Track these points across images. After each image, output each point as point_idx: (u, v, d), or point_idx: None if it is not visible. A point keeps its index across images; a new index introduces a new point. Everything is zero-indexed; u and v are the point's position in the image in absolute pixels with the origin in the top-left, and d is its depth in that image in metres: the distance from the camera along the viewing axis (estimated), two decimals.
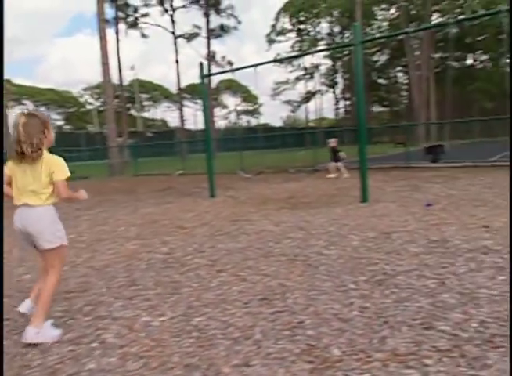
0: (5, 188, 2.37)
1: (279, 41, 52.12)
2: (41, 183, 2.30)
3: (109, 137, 17.38)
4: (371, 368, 1.80)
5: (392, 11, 44.91)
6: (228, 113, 75.10)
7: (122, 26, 29.57)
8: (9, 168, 2.34)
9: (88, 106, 65.12)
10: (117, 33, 22.51)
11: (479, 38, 45.13)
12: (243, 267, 3.34)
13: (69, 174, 2.38)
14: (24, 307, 2.35)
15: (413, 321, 2.20)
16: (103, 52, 16.21)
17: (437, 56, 45.77)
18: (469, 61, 50.91)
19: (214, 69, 28.68)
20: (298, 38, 51.54)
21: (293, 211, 5.92)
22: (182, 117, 31.97)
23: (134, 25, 29.77)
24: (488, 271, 2.85)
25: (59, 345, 2.19)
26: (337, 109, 58.19)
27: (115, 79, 25.09)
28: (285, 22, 50.79)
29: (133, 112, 64.67)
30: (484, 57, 50.36)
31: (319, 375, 1.77)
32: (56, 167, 2.32)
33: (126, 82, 56.49)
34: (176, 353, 2.03)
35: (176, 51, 29.87)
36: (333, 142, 10.87)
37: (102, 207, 7.53)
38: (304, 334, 2.15)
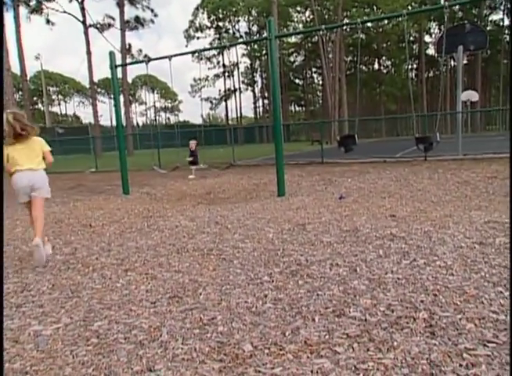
0: (6, 166, 3.43)
1: (198, 38, 51.65)
2: (37, 153, 3.52)
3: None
4: (283, 361, 1.72)
5: (307, 13, 46.68)
6: (147, 109, 72.68)
7: (23, 10, 27.04)
8: (8, 152, 3.39)
9: None
10: (15, 17, 20.43)
11: (383, 45, 48.74)
12: (154, 265, 3.13)
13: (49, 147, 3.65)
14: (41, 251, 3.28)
15: (326, 309, 2.18)
16: None
17: (348, 59, 48.56)
18: (376, 66, 54.74)
19: None
20: (217, 35, 51.43)
21: (210, 206, 5.77)
22: (95, 112, 30.08)
23: (37, 10, 27.30)
24: (394, 256, 2.96)
25: None
26: (256, 107, 59.12)
27: (16, 69, 22.87)
28: (203, 18, 50.40)
29: (41, 107, 59.71)
30: (388, 63, 54.53)
31: (229, 374, 1.66)
32: (43, 142, 3.62)
33: (31, 74, 52.00)
34: (69, 364, 1.79)
35: (87, 41, 28.00)
36: (193, 143, 11.42)
37: None
38: (215, 331, 2.02)
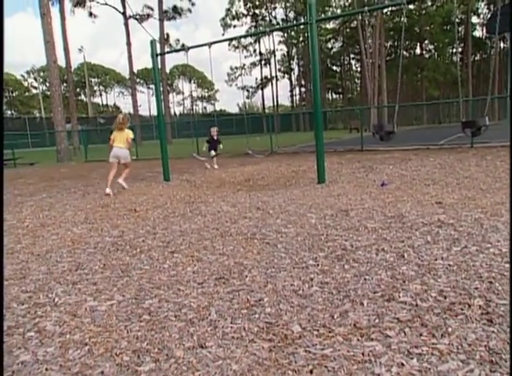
0: (111, 141, 6.75)
1: (235, 26, 51.49)
2: (124, 139, 6.67)
3: (56, 122, 16.37)
4: (333, 343, 1.71)
5: None
6: (184, 99, 73.68)
7: (68, 4, 27.94)
8: (113, 134, 6.73)
9: (34, 91, 61.57)
10: (61, 11, 21.12)
11: (427, 28, 46.74)
12: (198, 247, 3.18)
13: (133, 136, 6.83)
14: (108, 191, 6.34)
15: (374, 294, 2.14)
16: (46, 29, 15.13)
17: (388, 44, 46.99)
18: (417, 50, 52.69)
19: None
20: (253, 23, 51.07)
21: (250, 192, 5.80)
22: (135, 102, 30.82)
23: (80, 3, 28.12)
24: (443, 243, 2.87)
25: None
26: (293, 95, 58.55)
27: (62, 62, 23.71)
28: (240, 6, 50.14)
29: (83, 98, 61.83)
30: (431, 47, 52.33)
31: (279, 353, 1.67)
32: (130, 133, 6.77)
33: (75, 66, 53.82)
34: (124, 338, 1.86)
35: (127, 32, 28.62)
36: (214, 131, 10.36)
37: (48, 193, 7.05)
38: (262, 312, 2.04)
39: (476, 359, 1.51)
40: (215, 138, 10.30)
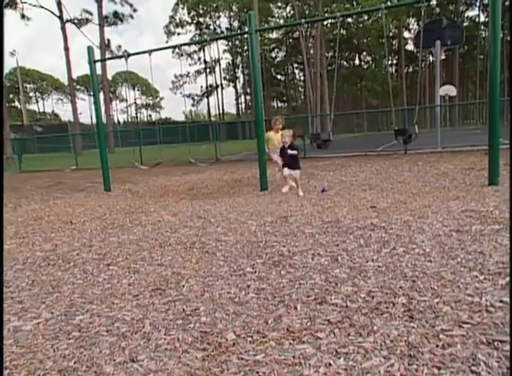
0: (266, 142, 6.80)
1: (179, 34, 51.21)
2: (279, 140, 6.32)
3: None
4: (266, 348, 1.74)
5: (288, 9, 46.70)
6: (128, 106, 71.76)
7: None
8: (268, 135, 6.92)
9: None
10: None
11: (364, 40, 49.16)
12: (136, 259, 3.11)
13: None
14: (285, 189, 6.18)
15: (308, 298, 2.21)
16: None
17: (329, 55, 48.79)
18: (356, 61, 55.22)
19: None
20: (197, 31, 51.06)
21: (192, 201, 5.76)
22: (74, 109, 29.56)
23: (11, 5, 26.60)
24: (374, 245, 3.01)
25: None
26: (239, 103, 59.02)
27: None
28: (184, 14, 49.95)
29: (17, 104, 58.30)
30: (369, 58, 55.05)
31: (212, 362, 1.67)
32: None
33: (6, 70, 50.67)
34: (50, 358, 1.77)
35: (65, 37, 27.45)
36: (287, 135, 6.02)
37: None
38: (198, 321, 2.03)
39: (397, 354, 1.60)
40: (287, 142, 5.97)
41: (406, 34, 50.42)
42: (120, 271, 2.86)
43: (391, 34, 46.09)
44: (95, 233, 4.15)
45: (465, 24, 42.16)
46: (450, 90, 16.98)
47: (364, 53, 53.18)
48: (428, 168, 7.54)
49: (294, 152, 6.02)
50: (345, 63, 52.82)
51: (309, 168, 9.33)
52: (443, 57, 39.23)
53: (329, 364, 1.58)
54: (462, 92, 47.20)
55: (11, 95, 56.18)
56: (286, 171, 6.16)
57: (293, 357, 1.66)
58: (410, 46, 50.61)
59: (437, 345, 1.64)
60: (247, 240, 3.39)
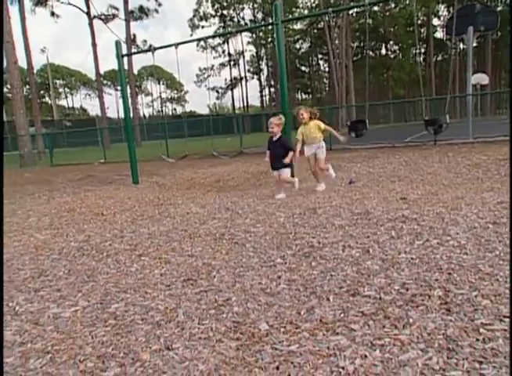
0: (298, 147, 5.32)
1: (203, 27, 51.28)
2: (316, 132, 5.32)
3: (18, 126, 15.80)
4: (299, 339, 1.74)
5: None
6: (153, 100, 72.69)
7: (28, 3, 27.05)
8: (301, 132, 5.38)
9: None
10: (21, 10, 20.41)
11: (391, 29, 47.97)
12: (167, 249, 3.15)
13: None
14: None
15: (340, 289, 2.18)
16: (5, 29, 14.59)
17: (355, 45, 47.93)
18: (383, 51, 53.99)
19: None
20: (221, 24, 50.99)
21: (219, 193, 5.79)
22: (102, 104, 30.14)
23: (42, 2, 27.26)
24: (406, 237, 2.95)
25: None
26: (263, 96, 58.81)
27: (23, 63, 22.93)
28: (208, 7, 49.96)
29: (48, 100, 59.94)
30: (396, 47, 53.71)
31: (246, 351, 1.68)
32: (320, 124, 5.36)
33: (37, 67, 52.12)
34: (89, 344, 1.82)
35: (92, 33, 27.96)
36: (277, 124, 5.17)
37: (10, 199, 6.81)
38: (230, 311, 2.04)
39: (434, 348, 1.57)
40: (275, 133, 5.16)
41: (436, 21, 48.93)
42: (152, 261, 2.91)
43: (419, 21, 44.73)
44: (125, 224, 4.24)
45: (499, 9, 40.50)
46: (482, 78, 16.41)
47: (391, 42, 51.92)
48: (459, 159, 7.32)
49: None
50: (371, 52, 51.71)
51: (335, 159, 9.22)
52: (475, 44, 37.86)
53: (365, 356, 1.57)
54: (494, 80, 45.51)
55: (42, 92, 57.76)
56: (274, 173, 5.29)
57: (328, 348, 1.65)
58: (440, 34, 49.14)
59: (477, 339, 1.59)
60: (276, 232, 3.38)
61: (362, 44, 52.35)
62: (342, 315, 1.91)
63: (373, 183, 5.69)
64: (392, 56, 53.37)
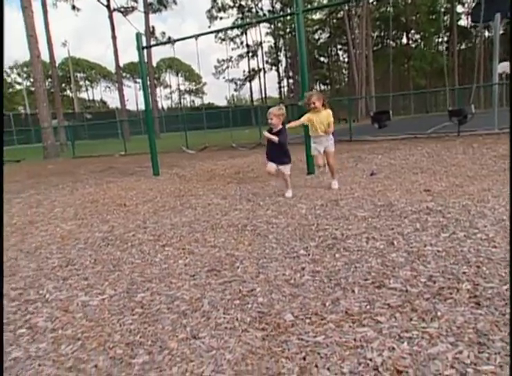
0: (295, 122, 4.84)
1: (221, 18, 51.05)
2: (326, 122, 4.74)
3: (41, 118, 16.13)
4: (325, 330, 1.73)
5: None
6: (171, 92, 73.07)
7: None
8: (308, 117, 4.77)
9: (18, 86, 60.46)
10: (43, 4, 20.71)
11: (413, 18, 46.84)
12: (190, 240, 3.18)
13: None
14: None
15: (365, 281, 2.17)
16: (29, 23, 14.83)
17: (375, 34, 47.05)
18: (404, 40, 52.82)
19: None
20: (240, 15, 50.70)
21: (240, 184, 5.79)
22: (121, 96, 30.47)
23: None
24: (432, 230, 2.90)
25: None
26: (281, 87, 58.40)
27: (45, 56, 23.31)
28: None
29: (69, 93, 60.91)
30: (417, 36, 52.46)
31: (272, 341, 1.68)
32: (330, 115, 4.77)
33: (59, 61, 52.91)
34: (117, 332, 1.86)
35: (112, 26, 28.19)
36: (276, 115, 4.76)
37: (36, 190, 6.97)
38: (255, 301, 2.05)
39: (464, 341, 1.54)
40: (275, 124, 4.68)
41: (460, 9, 47.51)
42: (176, 252, 2.94)
43: (442, 9, 43.49)
44: (148, 215, 4.29)
45: None
46: (509, 67, 15.89)
47: (412, 31, 50.73)
48: (485, 150, 7.14)
49: (275, 138, 4.55)
50: (392, 42, 50.64)
51: (355, 151, 9.12)
52: (501, 32, 36.66)
53: (393, 348, 1.55)
54: None
55: (63, 85, 58.68)
56: (270, 166, 4.69)
57: (354, 340, 1.64)
58: (464, 21, 47.75)
59: (509, 334, 1.56)
60: (298, 223, 3.37)
61: (382, 33, 51.37)
62: (368, 307, 1.90)
63: (394, 175, 5.60)
64: (413, 46, 52.17)
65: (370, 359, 1.50)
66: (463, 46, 51.34)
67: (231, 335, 1.76)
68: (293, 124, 4.78)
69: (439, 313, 1.77)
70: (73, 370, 1.59)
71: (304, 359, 1.55)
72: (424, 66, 45.95)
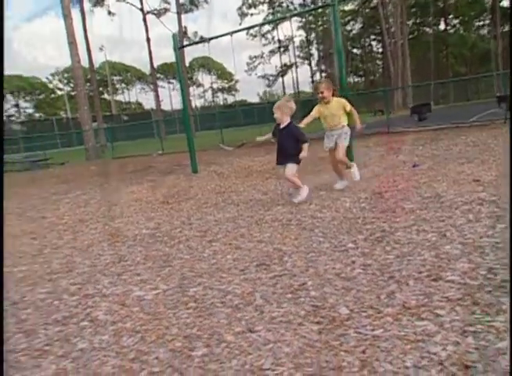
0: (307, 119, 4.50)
1: (252, 15, 50.94)
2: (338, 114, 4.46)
3: (82, 122, 16.75)
4: (383, 323, 1.70)
5: None
6: (204, 91, 73.86)
7: (87, 5, 28.34)
8: (318, 110, 4.51)
9: (59, 92, 62.97)
10: (82, 11, 21.46)
11: (451, 2, 45.00)
12: (236, 235, 3.21)
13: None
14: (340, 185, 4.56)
15: (419, 274, 2.11)
16: (69, 31, 15.41)
17: (410, 22, 45.57)
18: (441, 26, 50.83)
19: None
20: (270, 10, 50.44)
21: (279, 180, 5.77)
22: (157, 97, 31.13)
23: (99, 2, 28.46)
24: (486, 221, 2.79)
25: (45, 326, 2.03)
26: (313, 81, 57.73)
27: (84, 62, 24.16)
28: None
29: (106, 96, 62.86)
30: (456, 21, 50.35)
31: (329, 335, 1.67)
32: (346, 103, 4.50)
33: (96, 65, 54.69)
34: (174, 325, 1.90)
35: (146, 28, 28.83)
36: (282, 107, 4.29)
37: (82, 190, 7.25)
38: (307, 295, 2.04)
39: None
40: (281, 119, 4.21)
41: None
42: (223, 247, 2.97)
43: None
44: (191, 211, 4.36)
45: None
46: None
47: (450, 16, 48.71)
48: None
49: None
50: (428, 29, 48.86)
51: (395, 142, 8.90)
52: None
53: (457, 343, 1.50)
54: None
55: (100, 88, 60.58)
56: (281, 171, 4.25)
57: (415, 333, 1.60)
58: (506, 2, 45.35)
59: None
60: (344, 217, 3.32)
61: (417, 20, 49.64)
62: (426, 300, 1.84)
63: (439, 166, 5.41)
64: (452, 31, 50.13)
65: (434, 354, 1.45)
66: (505, 29, 48.86)
67: (287, 329, 1.76)
68: (305, 121, 4.44)
69: (504, 307, 1.69)
70: (136, 361, 1.64)
71: (364, 352, 1.52)
72: (464, 53, 44.09)
